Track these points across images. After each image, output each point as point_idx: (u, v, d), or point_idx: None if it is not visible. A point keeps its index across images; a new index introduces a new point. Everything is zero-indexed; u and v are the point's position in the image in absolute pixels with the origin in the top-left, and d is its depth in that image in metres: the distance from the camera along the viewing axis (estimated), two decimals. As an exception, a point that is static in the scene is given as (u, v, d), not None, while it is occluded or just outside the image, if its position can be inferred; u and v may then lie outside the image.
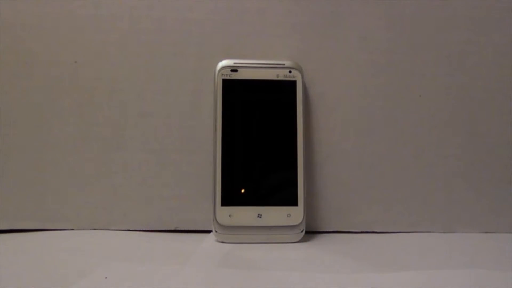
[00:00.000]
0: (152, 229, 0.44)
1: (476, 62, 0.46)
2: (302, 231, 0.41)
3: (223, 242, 0.40)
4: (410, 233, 0.45)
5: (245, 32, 0.45)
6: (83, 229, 0.43)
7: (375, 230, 0.45)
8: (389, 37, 0.46)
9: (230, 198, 0.41)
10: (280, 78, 0.43)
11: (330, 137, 0.45)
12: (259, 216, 0.41)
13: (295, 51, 0.45)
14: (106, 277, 0.31)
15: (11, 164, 0.44)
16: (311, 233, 0.44)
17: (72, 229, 0.44)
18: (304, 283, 0.31)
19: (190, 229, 0.44)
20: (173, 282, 0.30)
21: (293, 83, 0.43)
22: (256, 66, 0.43)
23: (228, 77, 0.43)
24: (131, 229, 0.44)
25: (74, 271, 0.32)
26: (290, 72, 0.43)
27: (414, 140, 0.46)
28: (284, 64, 0.43)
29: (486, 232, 0.45)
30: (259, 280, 0.31)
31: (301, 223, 0.41)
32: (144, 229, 0.44)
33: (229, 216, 0.40)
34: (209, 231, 0.43)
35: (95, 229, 0.44)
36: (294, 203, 0.41)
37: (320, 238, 0.43)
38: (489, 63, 0.46)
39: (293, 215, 0.41)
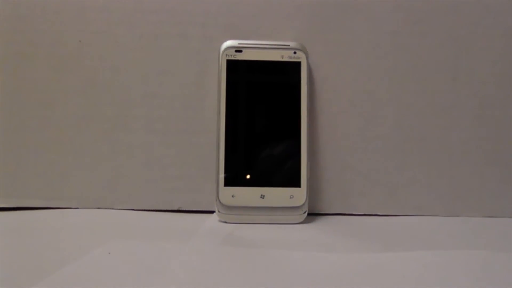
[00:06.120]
0: (156, 209, 0.44)
1: (484, 45, 0.45)
2: (304, 213, 0.41)
3: (226, 222, 0.41)
4: (413, 216, 0.45)
5: (250, 13, 0.45)
6: (88, 208, 0.44)
7: (378, 213, 0.45)
8: (395, 19, 0.45)
9: (233, 178, 0.41)
10: (285, 59, 0.43)
11: (334, 119, 0.45)
12: (262, 196, 0.41)
13: (300, 32, 0.45)
14: (109, 253, 0.31)
15: (17, 143, 0.44)
16: (313, 215, 0.44)
17: (77, 208, 0.44)
18: (305, 262, 0.31)
19: (193, 209, 0.44)
20: (175, 259, 0.31)
21: (297, 65, 0.43)
22: (261, 47, 0.43)
23: (232, 58, 0.42)
24: (135, 208, 0.44)
25: (78, 248, 0.33)
26: (295, 53, 0.43)
27: (419, 124, 0.45)
28: (289, 45, 0.43)
29: (490, 217, 0.45)
30: (261, 259, 0.31)
31: (303, 204, 0.41)
32: (147, 208, 0.44)
33: (232, 196, 0.41)
34: (212, 212, 0.43)
35: (99, 208, 0.44)
36: (297, 184, 0.41)
37: (323, 220, 0.43)
38: (497, 46, 0.45)
39: (296, 196, 0.41)
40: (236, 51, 0.42)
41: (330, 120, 0.45)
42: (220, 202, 0.40)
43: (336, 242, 0.36)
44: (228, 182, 0.41)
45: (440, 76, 0.45)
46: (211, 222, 0.41)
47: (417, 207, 0.45)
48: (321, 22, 0.45)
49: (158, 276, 0.28)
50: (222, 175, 0.41)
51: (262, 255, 0.32)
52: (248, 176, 0.41)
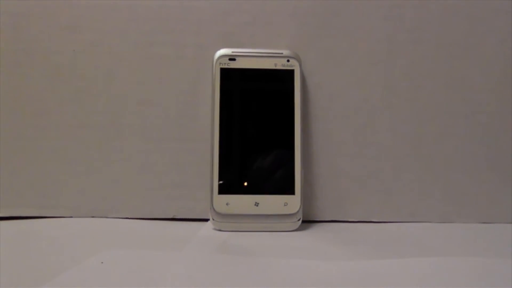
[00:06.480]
0: (150, 217, 0.44)
1: (477, 52, 0.46)
2: (299, 220, 0.41)
3: (220, 230, 0.41)
4: (408, 223, 0.45)
5: (244, 21, 0.45)
6: (82, 217, 0.44)
7: (373, 220, 0.45)
8: (389, 27, 0.45)
9: (227, 186, 0.41)
10: (278, 67, 0.43)
11: (328, 126, 0.45)
12: (256, 204, 0.41)
13: (293, 40, 0.45)
14: (102, 262, 0.31)
15: (11, 151, 0.44)
16: (308, 222, 0.44)
17: (71, 217, 0.44)
18: (300, 270, 0.31)
19: (187, 217, 0.44)
20: (169, 268, 0.31)
21: (291, 72, 0.43)
22: (254, 55, 0.43)
23: (226, 66, 0.43)
24: (129, 217, 0.44)
25: (71, 257, 0.33)
26: (288, 61, 0.43)
27: (413, 130, 0.46)
28: (282, 53, 0.43)
29: (485, 223, 0.45)
30: (255, 267, 0.31)
31: (298, 212, 0.41)
32: (142, 217, 0.44)
33: (226, 204, 0.41)
34: (206, 220, 0.43)
35: (93, 216, 0.44)
36: (291, 192, 0.41)
37: (317, 227, 0.43)
38: (490, 54, 0.46)
39: (290, 203, 0.41)
40: (230, 59, 0.43)
41: (324, 127, 0.45)
42: (214, 210, 0.40)
43: (331, 249, 0.36)
44: (222, 190, 0.41)
45: (434, 83, 0.46)
46: (206, 230, 0.41)
47: (412, 213, 0.45)
48: (314, 30, 0.45)
49: (152, 285, 0.28)
50: (216, 183, 0.41)
51: (256, 263, 0.32)
52: (242, 184, 0.41)
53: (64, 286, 0.27)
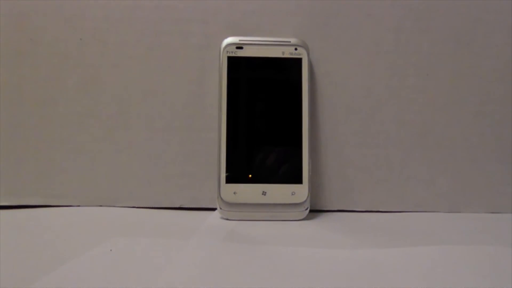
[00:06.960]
0: (157, 206, 0.44)
1: (484, 41, 0.45)
2: (306, 209, 0.41)
3: (227, 219, 0.41)
4: (415, 213, 0.45)
5: (251, 9, 0.44)
6: (89, 206, 0.44)
7: (380, 210, 0.45)
8: (396, 15, 0.45)
9: (235, 175, 0.41)
10: (286, 55, 0.43)
11: (335, 115, 0.45)
12: (264, 193, 0.41)
13: (301, 28, 0.45)
14: (111, 250, 0.31)
15: (17, 140, 0.44)
16: (315, 211, 0.44)
17: (79, 206, 0.44)
18: (307, 259, 0.31)
19: (195, 206, 0.44)
20: (176, 256, 0.31)
21: (298, 61, 0.43)
22: (262, 44, 0.43)
23: (233, 55, 0.42)
24: (136, 206, 0.44)
25: (79, 245, 0.33)
26: (296, 49, 0.43)
27: (421, 120, 0.45)
28: (290, 42, 0.43)
29: (492, 212, 0.45)
30: (263, 256, 0.31)
31: (305, 201, 0.41)
32: (149, 206, 0.44)
33: (234, 193, 0.41)
34: (214, 209, 0.43)
35: (101, 205, 0.44)
36: (299, 181, 0.41)
37: (324, 216, 0.43)
38: (497, 43, 0.45)
39: (297, 193, 0.41)
40: (237, 47, 0.42)
41: (331, 117, 0.45)
42: (221, 199, 0.40)
43: (338, 239, 0.36)
44: (230, 179, 0.41)
45: (441, 72, 0.45)
46: (213, 219, 0.41)
47: (419, 203, 0.45)
48: (322, 18, 0.45)
49: (160, 273, 0.28)
50: (223, 172, 0.41)
51: (264, 252, 0.32)
52: (249, 173, 0.41)
53: (74, 273, 0.28)
